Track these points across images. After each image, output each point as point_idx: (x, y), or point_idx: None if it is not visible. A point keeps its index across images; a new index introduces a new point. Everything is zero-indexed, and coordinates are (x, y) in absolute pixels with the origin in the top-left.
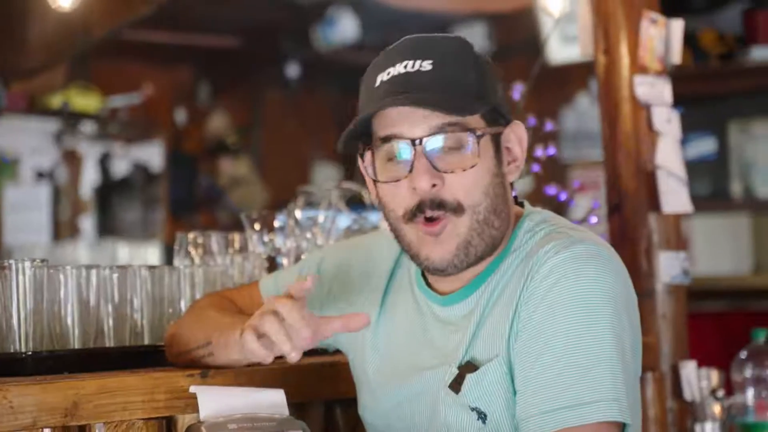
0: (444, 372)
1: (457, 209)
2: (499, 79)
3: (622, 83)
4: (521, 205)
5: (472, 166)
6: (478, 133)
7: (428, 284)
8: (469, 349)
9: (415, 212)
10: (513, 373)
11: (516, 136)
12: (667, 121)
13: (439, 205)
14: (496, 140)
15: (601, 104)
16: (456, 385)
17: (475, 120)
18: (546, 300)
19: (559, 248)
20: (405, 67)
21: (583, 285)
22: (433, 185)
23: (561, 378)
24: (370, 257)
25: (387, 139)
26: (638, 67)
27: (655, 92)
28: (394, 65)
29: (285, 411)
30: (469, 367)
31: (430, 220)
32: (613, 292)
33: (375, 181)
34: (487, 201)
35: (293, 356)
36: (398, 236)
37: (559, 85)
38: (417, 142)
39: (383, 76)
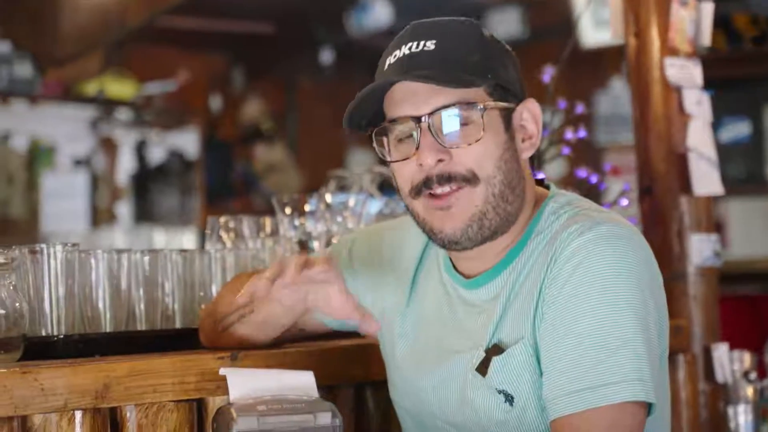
0: (471, 355)
1: (472, 180)
2: (510, 58)
3: (653, 65)
4: (547, 187)
5: (478, 140)
6: (480, 106)
7: (455, 268)
8: (495, 331)
9: (421, 187)
10: (539, 355)
11: (530, 113)
12: (697, 103)
13: (448, 178)
14: (507, 116)
15: (631, 87)
16: (483, 368)
17: (480, 95)
18: (570, 282)
19: (582, 230)
20: (410, 48)
21: (607, 266)
22: (440, 160)
23: (585, 359)
24: (400, 241)
25: (395, 121)
26: (669, 50)
27: (686, 74)
28: (400, 48)
29: (314, 393)
30: (495, 349)
31: (438, 195)
32: (636, 273)
33: (389, 163)
34: (501, 174)
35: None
36: (411, 214)
37: (593, 68)
38: (422, 119)
39: (390, 59)
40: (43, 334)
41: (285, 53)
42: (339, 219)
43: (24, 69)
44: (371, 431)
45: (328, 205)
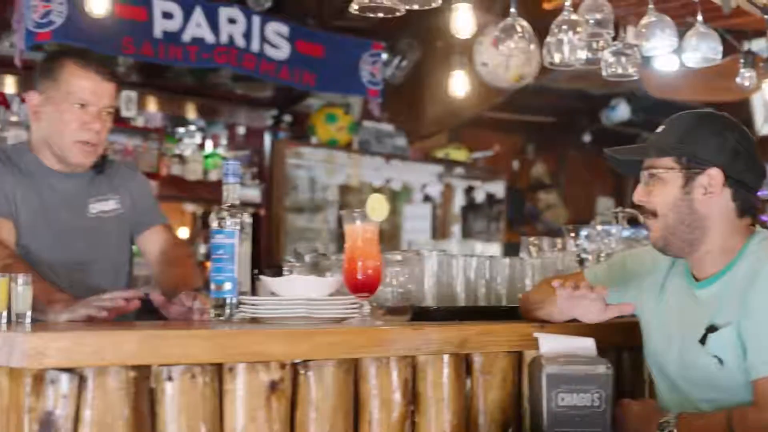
0: (697, 331)
1: (653, 214)
2: (719, 138)
3: None
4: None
5: (652, 191)
6: (655, 170)
7: (693, 274)
8: (713, 317)
9: None
10: (740, 337)
11: (710, 178)
12: None
13: (643, 209)
14: (688, 177)
15: None
16: (703, 340)
17: (665, 162)
18: (760, 294)
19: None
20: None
21: None
22: (641, 198)
23: None
24: (658, 258)
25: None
26: None
27: None
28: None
29: (594, 352)
30: (711, 328)
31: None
32: None
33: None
34: (672, 214)
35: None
36: None
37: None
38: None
39: None
40: (423, 305)
41: (560, 135)
42: (605, 241)
43: (400, 140)
44: (627, 378)
45: (597, 232)
